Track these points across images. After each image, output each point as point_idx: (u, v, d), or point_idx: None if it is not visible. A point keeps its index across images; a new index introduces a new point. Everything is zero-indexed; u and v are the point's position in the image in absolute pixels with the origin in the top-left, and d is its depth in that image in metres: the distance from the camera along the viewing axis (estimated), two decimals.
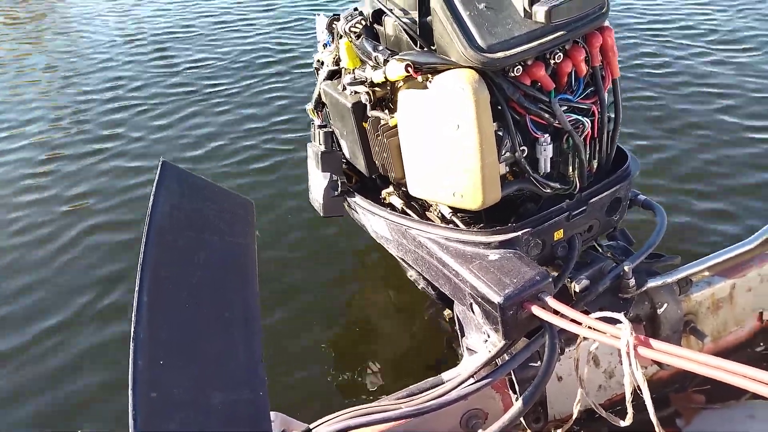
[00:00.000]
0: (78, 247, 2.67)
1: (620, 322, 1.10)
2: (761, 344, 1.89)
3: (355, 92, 1.63)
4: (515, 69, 1.32)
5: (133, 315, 0.93)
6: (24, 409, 1.96)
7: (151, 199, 1.06)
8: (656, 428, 1.11)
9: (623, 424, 1.24)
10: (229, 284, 1.10)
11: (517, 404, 1.32)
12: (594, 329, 1.15)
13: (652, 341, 1.07)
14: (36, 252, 2.66)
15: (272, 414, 1.34)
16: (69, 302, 2.38)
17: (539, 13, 1.27)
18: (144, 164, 3.28)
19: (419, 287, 2.09)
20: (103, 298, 2.39)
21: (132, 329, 0.91)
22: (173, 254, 1.04)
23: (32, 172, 3.27)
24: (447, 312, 2.13)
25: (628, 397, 1.11)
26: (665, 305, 1.57)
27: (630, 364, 1.06)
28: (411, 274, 2.12)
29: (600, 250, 1.66)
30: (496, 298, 1.28)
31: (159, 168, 1.12)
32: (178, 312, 0.99)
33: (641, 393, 1.07)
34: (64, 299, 2.39)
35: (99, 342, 2.19)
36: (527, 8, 1.29)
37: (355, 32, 1.59)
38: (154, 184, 1.09)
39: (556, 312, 1.25)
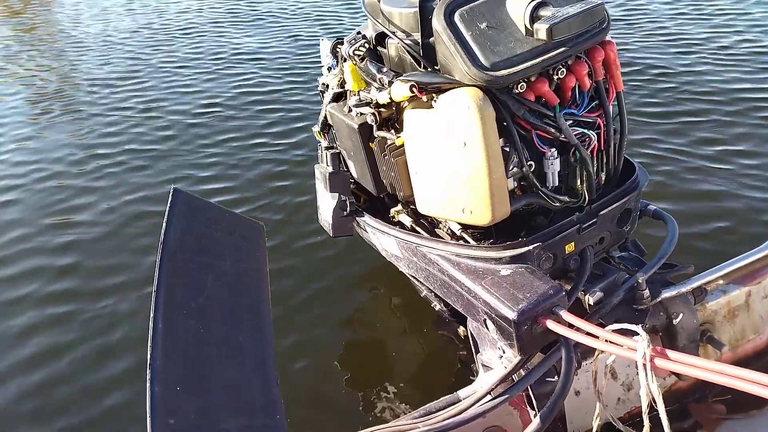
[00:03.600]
0: (87, 277, 2.69)
1: (637, 333, 1.10)
2: None
3: (361, 113, 1.65)
4: (519, 86, 1.33)
5: (149, 341, 0.93)
6: None
7: (164, 226, 1.08)
8: None
9: None
10: (241, 308, 1.11)
11: (536, 420, 1.31)
12: (610, 342, 1.14)
13: (669, 352, 1.06)
14: (42, 281, 2.69)
15: None
16: (87, 329, 2.40)
17: (540, 30, 1.29)
18: (151, 190, 3.32)
19: (432, 305, 2.09)
20: (118, 325, 2.40)
21: (148, 356, 0.92)
22: (186, 280, 1.05)
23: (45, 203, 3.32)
24: (461, 330, 2.12)
25: (645, 410, 1.10)
26: (681, 315, 1.56)
27: (646, 377, 1.06)
28: (424, 294, 2.12)
29: (612, 262, 1.66)
30: (511, 314, 1.28)
31: (171, 195, 1.14)
32: (192, 337, 1.00)
33: (657, 405, 1.06)
34: (80, 324, 2.41)
35: (110, 373, 2.20)
36: (528, 26, 1.31)
37: (359, 55, 1.61)
38: (166, 211, 1.10)
39: (571, 326, 1.25)
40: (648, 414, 1.17)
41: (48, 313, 2.49)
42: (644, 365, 1.07)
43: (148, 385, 0.91)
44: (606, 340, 1.15)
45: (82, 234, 2.99)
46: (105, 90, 4.73)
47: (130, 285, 2.59)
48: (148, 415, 0.88)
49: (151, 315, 0.98)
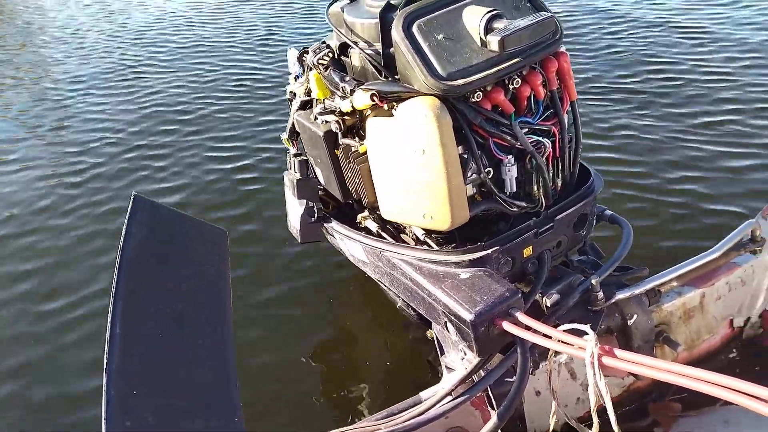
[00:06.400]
0: (47, 278, 2.67)
1: (587, 333, 1.14)
2: (734, 351, 1.93)
3: (326, 121, 1.68)
4: (476, 95, 1.38)
5: (105, 345, 0.95)
6: None
7: (123, 231, 1.09)
8: None
9: None
10: (202, 313, 1.13)
11: (492, 420, 1.34)
12: (562, 342, 1.18)
13: (617, 351, 1.10)
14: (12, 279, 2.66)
15: None
16: (40, 327, 2.38)
17: (493, 42, 1.33)
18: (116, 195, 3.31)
19: (400, 310, 2.12)
20: (75, 326, 2.39)
21: (105, 359, 0.93)
22: (146, 285, 1.07)
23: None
24: (429, 332, 2.16)
25: (593, 407, 1.14)
26: (635, 316, 1.61)
27: (594, 375, 1.10)
28: (392, 298, 2.15)
29: (571, 266, 1.71)
30: (468, 316, 1.32)
31: (131, 200, 1.15)
32: (151, 341, 1.02)
33: (604, 402, 1.10)
34: (35, 325, 2.40)
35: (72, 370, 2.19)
36: (483, 38, 1.36)
37: (323, 64, 1.64)
38: (126, 217, 1.12)
39: (526, 327, 1.29)
40: (598, 412, 1.21)
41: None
42: (592, 363, 1.11)
43: (104, 388, 0.92)
44: (558, 340, 1.19)
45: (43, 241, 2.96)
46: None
47: (88, 294, 2.58)
48: (103, 418, 0.89)
49: (109, 320, 0.99)
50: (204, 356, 1.08)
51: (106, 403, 0.91)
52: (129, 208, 1.14)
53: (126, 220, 1.12)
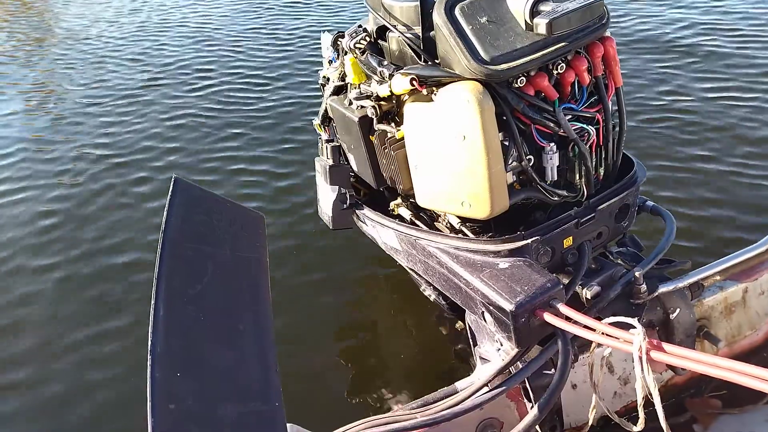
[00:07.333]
0: (92, 266, 2.70)
1: (633, 327, 1.11)
2: None
3: (362, 106, 1.66)
4: (519, 80, 1.34)
5: (149, 328, 0.94)
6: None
7: (165, 214, 1.08)
8: None
9: (635, 429, 1.24)
10: (241, 297, 1.12)
11: (532, 412, 1.31)
12: (607, 335, 1.15)
13: (665, 345, 1.07)
14: (44, 266, 2.70)
15: (288, 426, 1.35)
16: (83, 317, 2.41)
17: (540, 25, 1.29)
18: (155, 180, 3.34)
19: (431, 299, 2.10)
20: (117, 312, 2.42)
21: (149, 342, 0.93)
22: (187, 268, 1.06)
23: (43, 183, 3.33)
24: (459, 324, 2.14)
25: (640, 402, 1.11)
26: (678, 310, 1.57)
27: (642, 369, 1.07)
28: (423, 287, 2.13)
29: (610, 257, 1.67)
30: (508, 306, 1.29)
31: (172, 184, 1.14)
32: (192, 324, 1.01)
33: (652, 398, 1.07)
34: (80, 313, 2.43)
35: (113, 358, 2.21)
36: (528, 21, 1.32)
37: (359, 48, 1.62)
38: (167, 200, 1.11)
39: (568, 319, 1.26)
40: (644, 408, 1.18)
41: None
42: (640, 358, 1.08)
43: (149, 370, 0.91)
44: (602, 333, 1.16)
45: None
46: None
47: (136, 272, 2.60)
48: (148, 400, 0.88)
49: (152, 302, 0.98)
50: (244, 340, 1.07)
51: (151, 386, 0.90)
52: (170, 191, 1.13)
53: (167, 202, 1.11)
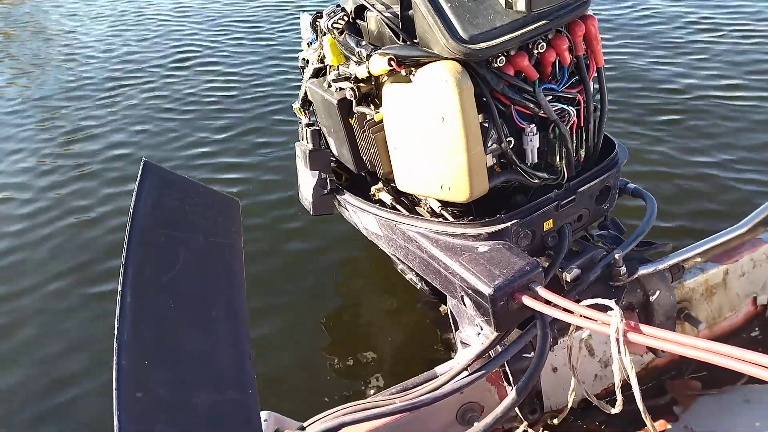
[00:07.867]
0: (58, 245, 2.66)
1: (611, 309, 1.10)
2: (756, 329, 1.89)
3: (341, 89, 1.63)
4: (498, 60, 1.31)
5: (116, 315, 0.92)
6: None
7: (133, 199, 1.05)
8: (643, 415, 1.10)
9: (614, 411, 1.24)
10: (214, 283, 1.09)
11: (511, 395, 1.31)
12: (585, 317, 1.14)
13: (643, 327, 1.06)
14: (17, 245, 2.66)
15: (265, 413, 1.33)
16: (49, 301, 2.38)
17: (519, 2, 1.27)
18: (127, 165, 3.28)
19: (413, 284, 2.09)
20: (86, 298, 2.38)
21: (116, 329, 0.91)
22: (156, 253, 1.03)
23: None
24: (442, 307, 2.13)
25: (617, 383, 1.11)
26: (658, 292, 1.57)
27: (619, 351, 1.06)
28: (406, 273, 2.11)
29: (591, 240, 1.66)
30: (486, 289, 1.28)
31: (141, 168, 1.11)
32: (162, 311, 0.98)
33: (629, 379, 1.07)
34: (44, 298, 2.40)
35: (83, 340, 2.18)
36: None
37: (337, 28, 1.58)
38: (136, 184, 1.08)
39: (547, 302, 1.25)
40: (623, 390, 1.18)
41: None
42: (617, 339, 1.07)
43: (114, 358, 0.89)
44: (581, 316, 1.15)
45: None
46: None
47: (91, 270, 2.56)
48: (114, 389, 0.86)
49: (119, 289, 0.96)
50: (217, 327, 1.05)
51: (117, 374, 0.88)
52: (139, 175, 1.10)
53: (136, 187, 1.08)
